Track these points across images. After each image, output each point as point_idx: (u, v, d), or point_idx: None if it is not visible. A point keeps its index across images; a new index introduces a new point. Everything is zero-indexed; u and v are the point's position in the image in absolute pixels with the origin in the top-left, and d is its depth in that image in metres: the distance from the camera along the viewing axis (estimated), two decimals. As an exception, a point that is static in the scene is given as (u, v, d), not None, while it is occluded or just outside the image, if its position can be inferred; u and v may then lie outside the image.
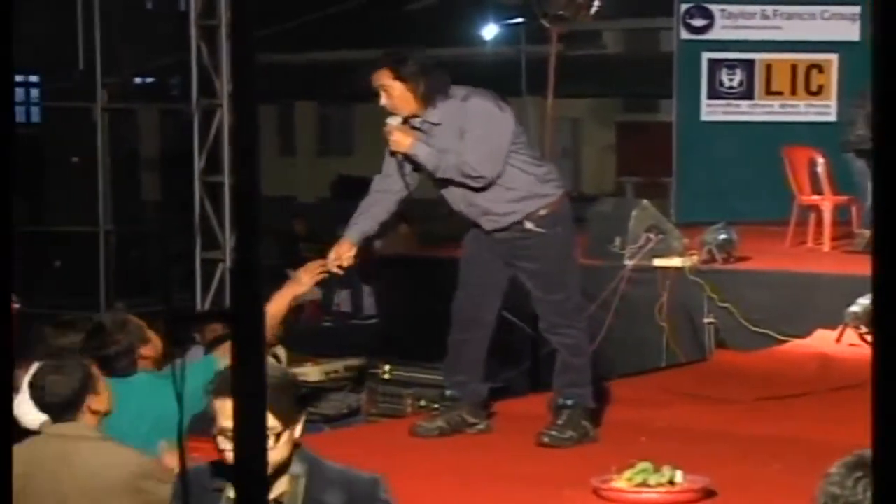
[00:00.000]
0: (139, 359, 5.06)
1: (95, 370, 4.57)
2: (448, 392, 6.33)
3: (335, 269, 6.00)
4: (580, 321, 6.22)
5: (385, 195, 6.23)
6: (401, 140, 6.01)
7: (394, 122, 6.01)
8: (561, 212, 6.09)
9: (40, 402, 4.49)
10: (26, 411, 5.09)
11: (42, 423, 5.05)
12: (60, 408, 4.41)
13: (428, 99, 5.97)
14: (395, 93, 5.96)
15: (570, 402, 6.08)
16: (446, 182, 6.06)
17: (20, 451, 4.21)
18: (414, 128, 6.03)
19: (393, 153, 6.12)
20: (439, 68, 6.13)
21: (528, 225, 6.01)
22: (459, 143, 5.92)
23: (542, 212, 6.01)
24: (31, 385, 4.59)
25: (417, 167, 6.08)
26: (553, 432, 6.03)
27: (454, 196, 6.10)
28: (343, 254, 6.03)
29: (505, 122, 6.00)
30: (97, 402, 4.45)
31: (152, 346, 5.07)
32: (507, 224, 6.06)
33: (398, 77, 5.95)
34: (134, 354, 5.03)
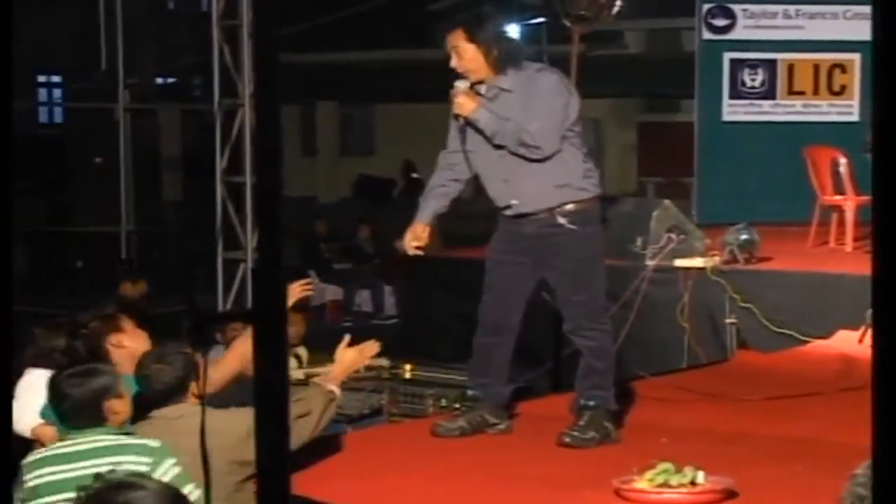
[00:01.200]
0: (111, 348, 5.04)
1: (198, 357, 4.63)
2: (470, 392, 6.32)
3: (413, 252, 6.09)
4: (604, 323, 6.17)
5: (452, 171, 6.21)
6: (465, 103, 5.97)
7: (461, 85, 5.97)
8: (592, 211, 6.06)
9: (148, 390, 4.60)
10: (19, 416, 5.11)
11: (32, 428, 5.08)
12: (164, 395, 4.56)
13: (499, 66, 5.91)
14: (466, 55, 5.90)
15: (592, 404, 6.06)
16: (492, 154, 6.00)
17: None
18: (479, 94, 5.98)
19: (456, 117, 6.07)
20: (513, 40, 6.10)
21: (559, 220, 5.96)
22: (523, 114, 5.88)
23: (574, 207, 5.97)
24: (137, 373, 4.71)
25: (477, 133, 6.02)
26: (575, 433, 6.01)
27: (494, 171, 6.04)
28: (418, 235, 6.10)
29: (570, 104, 5.98)
30: (197, 387, 4.56)
31: (126, 337, 5.07)
32: (538, 209, 5.99)
33: (472, 40, 5.89)
34: (98, 350, 5.03)
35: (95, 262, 14.85)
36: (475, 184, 6.37)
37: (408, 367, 8.07)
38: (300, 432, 4.83)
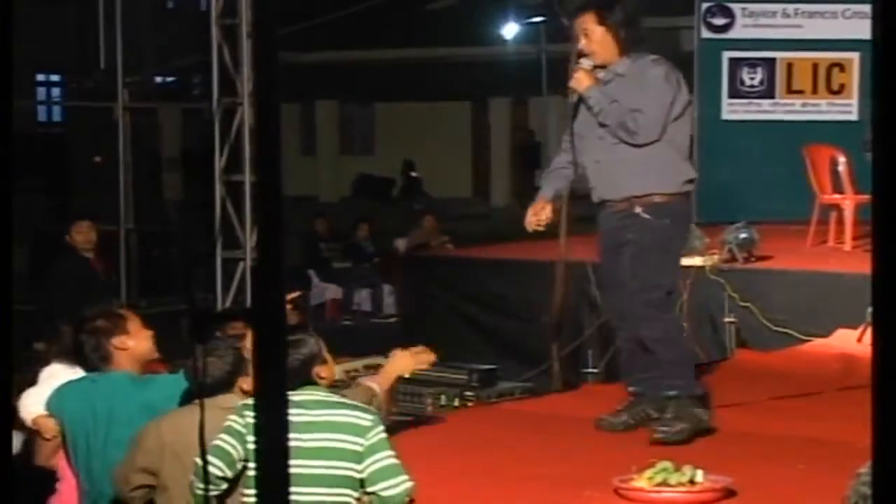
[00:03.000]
0: (115, 349, 5.05)
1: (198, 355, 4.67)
2: (630, 388, 6.30)
3: (536, 228, 6.21)
4: (666, 312, 6.16)
5: (569, 153, 6.28)
6: (581, 79, 6.09)
7: (586, 63, 6.10)
8: (675, 208, 6.10)
9: (195, 383, 4.67)
10: (27, 404, 5.16)
11: (34, 418, 5.13)
12: (211, 388, 4.58)
13: (626, 50, 6.05)
14: (595, 37, 6.05)
15: (672, 394, 6.04)
16: (594, 136, 6.09)
17: (167, 423, 4.57)
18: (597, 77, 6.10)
19: (569, 95, 6.20)
20: (640, 23, 6.23)
21: (636, 209, 6.03)
22: (630, 100, 5.99)
23: (658, 199, 6.04)
24: (185, 367, 4.75)
25: (587, 111, 6.12)
26: (664, 427, 5.96)
27: (592, 152, 6.13)
28: (540, 212, 6.20)
29: (678, 99, 6.09)
30: (248, 382, 4.59)
31: (131, 339, 5.08)
32: (617, 197, 6.08)
33: (602, 22, 6.03)
34: (102, 349, 5.04)
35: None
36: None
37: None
38: None
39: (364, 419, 4.40)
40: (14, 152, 2.05)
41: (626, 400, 6.27)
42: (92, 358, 5.05)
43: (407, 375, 5.41)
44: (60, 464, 5.18)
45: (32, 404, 5.20)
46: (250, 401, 4.28)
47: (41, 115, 27.69)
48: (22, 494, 5.64)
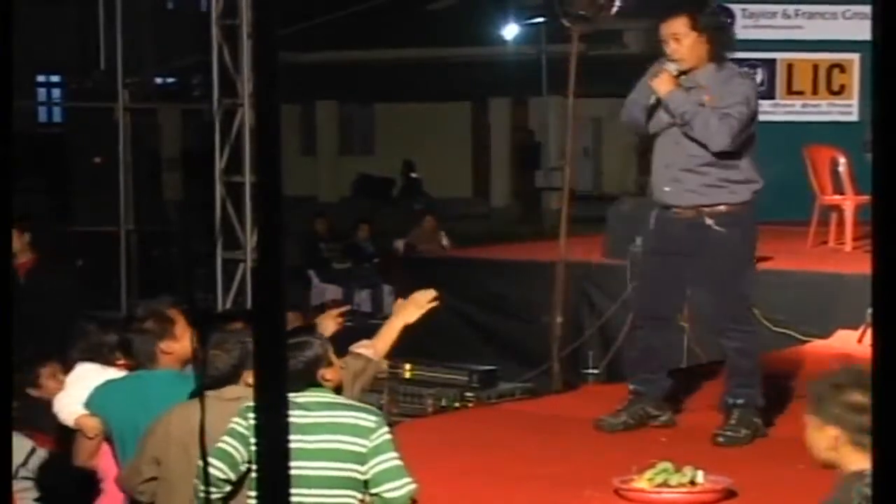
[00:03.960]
0: (160, 353, 5.08)
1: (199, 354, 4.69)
2: (632, 386, 6.36)
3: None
4: (750, 325, 6.30)
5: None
6: (664, 82, 6.07)
7: (672, 67, 6.07)
8: (742, 215, 6.15)
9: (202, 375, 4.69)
10: (64, 405, 5.20)
11: (76, 418, 5.16)
12: (216, 381, 4.61)
13: (715, 56, 6.06)
14: (686, 41, 6.02)
15: (740, 402, 6.17)
16: (668, 139, 6.12)
17: (176, 415, 4.58)
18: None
19: (649, 97, 6.15)
20: (731, 31, 6.28)
21: (707, 220, 6.06)
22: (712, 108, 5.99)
23: (724, 209, 6.08)
24: (194, 360, 4.77)
25: (664, 113, 6.12)
26: (728, 432, 6.10)
27: (663, 155, 6.18)
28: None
29: (755, 118, 6.17)
30: (252, 375, 4.60)
31: (177, 343, 5.09)
32: (686, 204, 6.09)
33: (695, 27, 6.01)
34: (153, 347, 5.07)
35: (95, 261, 14.84)
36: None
37: (407, 366, 8.06)
38: None
39: (368, 420, 4.40)
40: (14, 152, 2.05)
41: (626, 399, 6.28)
42: (139, 357, 5.11)
43: (412, 321, 5.31)
44: (102, 464, 5.21)
45: (70, 405, 5.23)
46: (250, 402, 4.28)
47: (41, 115, 27.68)
48: (65, 495, 5.68)
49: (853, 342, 8.15)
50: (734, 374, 6.25)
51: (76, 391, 5.28)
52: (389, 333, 5.20)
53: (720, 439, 6.08)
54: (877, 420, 1.84)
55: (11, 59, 2.00)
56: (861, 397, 3.25)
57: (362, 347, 5.17)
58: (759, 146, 6.03)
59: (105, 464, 5.19)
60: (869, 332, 6.99)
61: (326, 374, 4.57)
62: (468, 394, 7.44)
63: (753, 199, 6.24)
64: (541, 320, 8.93)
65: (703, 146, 6.03)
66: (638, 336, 6.44)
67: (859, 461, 3.27)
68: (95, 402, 5.12)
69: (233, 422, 4.38)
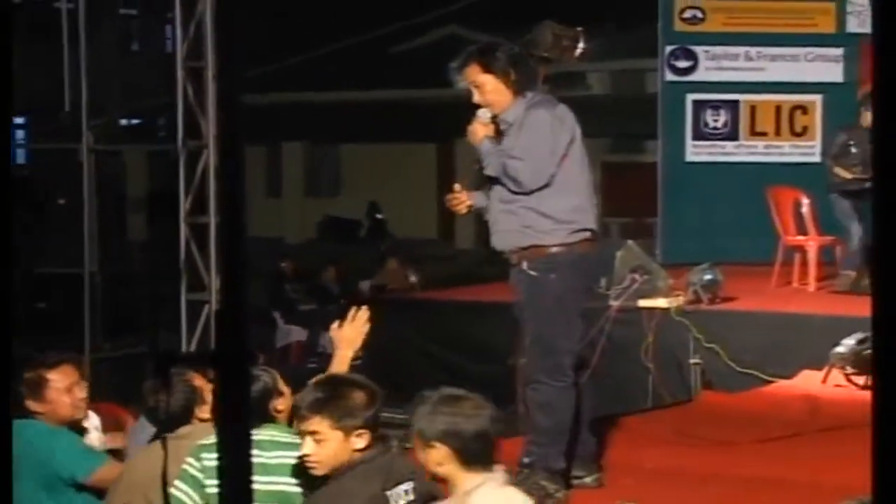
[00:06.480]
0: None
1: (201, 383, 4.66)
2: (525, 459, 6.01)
3: (452, 205, 6.04)
4: (560, 381, 5.81)
5: None
6: (475, 132, 5.92)
7: (483, 114, 5.90)
8: (561, 259, 5.76)
9: (154, 421, 4.75)
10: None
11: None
12: (169, 423, 4.58)
13: (518, 91, 5.80)
14: (488, 87, 5.82)
15: (526, 461, 5.82)
16: (495, 187, 5.90)
17: (138, 461, 4.62)
18: (497, 127, 5.90)
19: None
20: (528, 62, 6.00)
21: (523, 265, 5.80)
22: (515, 147, 5.79)
23: (537, 252, 5.76)
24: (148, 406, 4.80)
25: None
26: None
27: (491, 203, 5.97)
28: (465, 198, 6.03)
29: (558, 141, 5.81)
30: (203, 410, 4.66)
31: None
32: (505, 248, 5.88)
33: (488, 70, 5.80)
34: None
35: (58, 304, 14.76)
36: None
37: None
38: None
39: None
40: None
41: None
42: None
43: (359, 345, 5.22)
44: None
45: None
46: (207, 441, 4.24)
47: (5, 156, 27.55)
48: None
49: (817, 382, 8.17)
50: (531, 431, 5.87)
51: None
52: (342, 365, 5.14)
53: None
54: (877, 464, 1.82)
55: (11, 57, 1.99)
56: None
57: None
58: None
59: None
60: (833, 373, 7.03)
61: (278, 404, 4.52)
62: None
63: (579, 244, 5.82)
64: (506, 362, 8.92)
65: (517, 192, 5.81)
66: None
67: None
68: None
69: (185, 462, 4.32)
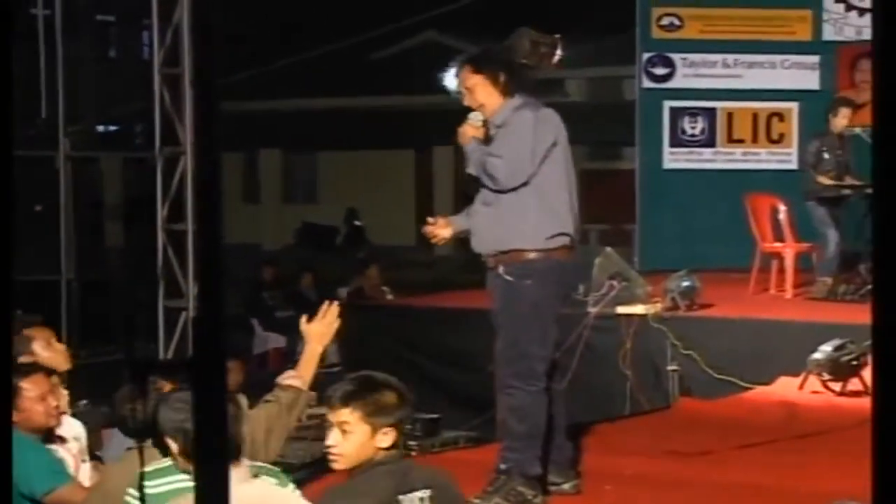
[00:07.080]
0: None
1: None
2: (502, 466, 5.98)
3: (432, 238, 6.09)
4: (533, 385, 5.77)
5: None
6: (464, 133, 5.98)
7: (474, 117, 5.96)
8: (538, 265, 5.75)
9: (124, 430, 4.74)
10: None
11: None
12: (139, 433, 4.48)
13: (508, 94, 5.84)
14: (477, 90, 5.88)
15: (503, 467, 5.80)
16: (480, 187, 5.91)
17: (113, 470, 4.59)
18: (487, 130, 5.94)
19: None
20: (519, 67, 6.04)
21: (500, 269, 5.80)
22: (498, 148, 5.82)
23: (514, 256, 5.75)
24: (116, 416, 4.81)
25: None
26: (477, 500, 5.69)
27: (475, 205, 5.98)
28: (443, 227, 6.08)
29: (541, 140, 5.81)
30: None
31: (21, 414, 5.03)
32: (483, 251, 5.90)
33: (478, 72, 5.87)
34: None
35: (35, 311, 14.71)
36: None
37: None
38: (279, 433, 4.88)
39: (270, 482, 4.13)
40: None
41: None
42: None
43: (328, 342, 5.19)
44: None
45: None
46: (149, 467, 4.16)
47: (-19, 163, 27.49)
48: None
49: (795, 389, 8.19)
50: (505, 437, 5.85)
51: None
52: (311, 361, 5.11)
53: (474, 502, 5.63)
54: (877, 469, 1.81)
55: (10, 54, 1.98)
56: None
57: (290, 378, 5.11)
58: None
59: None
60: (810, 379, 7.04)
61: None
62: (411, 442, 7.39)
63: (557, 250, 5.79)
64: (485, 368, 8.92)
65: (496, 191, 5.81)
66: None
67: None
68: None
69: (127, 493, 4.08)
